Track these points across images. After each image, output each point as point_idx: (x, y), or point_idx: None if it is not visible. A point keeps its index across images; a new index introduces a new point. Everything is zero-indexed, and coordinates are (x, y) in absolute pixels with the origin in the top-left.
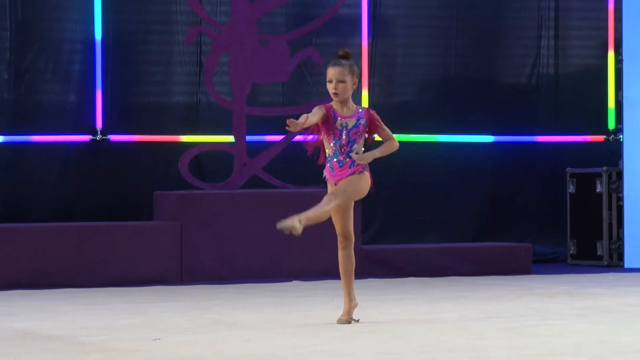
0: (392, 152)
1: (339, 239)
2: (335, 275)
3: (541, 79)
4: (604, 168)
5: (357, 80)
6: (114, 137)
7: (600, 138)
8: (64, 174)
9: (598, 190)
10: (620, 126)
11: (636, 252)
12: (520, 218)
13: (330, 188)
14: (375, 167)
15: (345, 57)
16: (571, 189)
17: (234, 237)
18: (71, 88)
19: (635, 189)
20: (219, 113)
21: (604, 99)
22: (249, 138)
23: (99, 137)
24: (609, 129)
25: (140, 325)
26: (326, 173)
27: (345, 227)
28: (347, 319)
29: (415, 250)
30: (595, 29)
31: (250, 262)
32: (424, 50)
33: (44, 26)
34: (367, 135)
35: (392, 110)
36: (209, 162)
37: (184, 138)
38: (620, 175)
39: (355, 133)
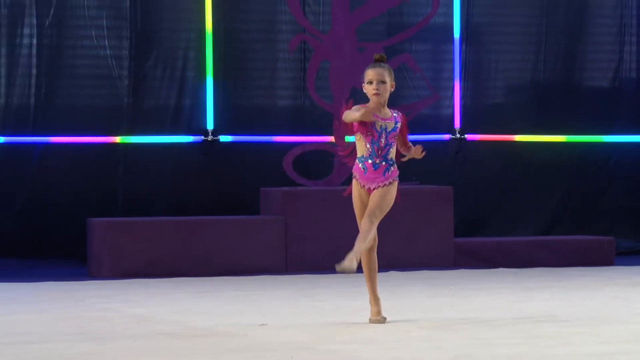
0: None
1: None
2: (432, 266)
3: (624, 83)
4: None
5: (394, 83)
6: (224, 138)
7: None
8: (178, 172)
9: None
10: None
11: None
12: (606, 213)
13: (356, 186)
14: (465, 164)
15: (382, 60)
16: None
17: (335, 230)
18: (185, 93)
19: None
20: (321, 115)
21: None
22: (348, 138)
23: (210, 137)
24: None
25: (248, 312)
26: (356, 172)
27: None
28: (380, 319)
29: (506, 242)
30: None
31: (345, 253)
32: (513, 56)
33: (160, 36)
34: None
35: (484, 111)
36: (312, 161)
37: (289, 138)
38: None
39: (393, 137)
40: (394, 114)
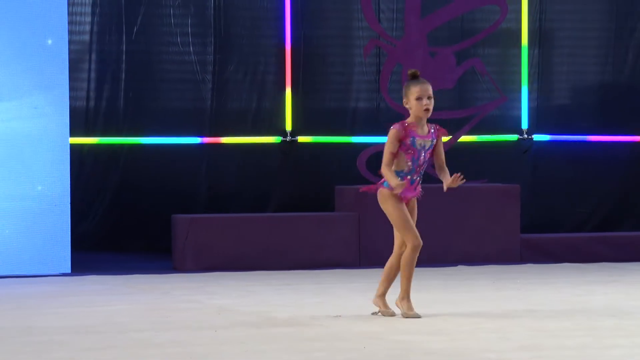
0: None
1: (415, 246)
2: (499, 261)
3: None
4: None
5: (407, 102)
6: (302, 139)
7: None
8: (258, 171)
9: None
10: None
11: None
12: None
13: (393, 196)
14: (532, 164)
15: (417, 76)
16: None
17: None
18: (265, 95)
19: None
20: (394, 116)
21: None
22: None
23: (289, 138)
24: None
25: (324, 303)
26: None
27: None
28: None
29: (570, 238)
30: None
31: (420, 249)
32: (580, 59)
33: (242, 42)
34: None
35: (551, 113)
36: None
37: (363, 139)
38: None
39: (430, 153)
40: (432, 130)
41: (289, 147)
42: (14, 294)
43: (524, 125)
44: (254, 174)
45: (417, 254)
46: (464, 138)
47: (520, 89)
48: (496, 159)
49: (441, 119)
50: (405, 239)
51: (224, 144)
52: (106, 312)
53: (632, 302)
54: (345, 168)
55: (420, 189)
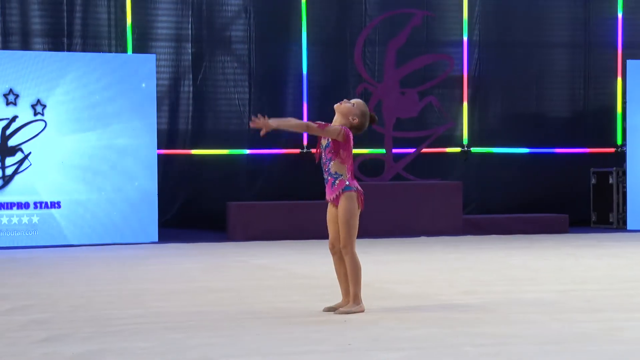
0: (293, 128)
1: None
2: (448, 234)
3: (575, 112)
4: (615, 168)
5: (357, 119)
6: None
7: (612, 150)
8: (283, 175)
9: (610, 182)
10: (625, 142)
11: (635, 220)
12: (560, 196)
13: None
14: (470, 168)
15: (373, 120)
16: (593, 180)
17: (387, 211)
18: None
19: (634, 181)
20: (376, 135)
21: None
22: (394, 150)
23: (305, 150)
24: (617, 144)
25: (331, 263)
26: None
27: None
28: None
29: (497, 217)
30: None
31: (392, 224)
32: (508, 95)
33: (272, 81)
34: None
35: (484, 132)
36: (370, 164)
37: (355, 151)
38: (624, 172)
39: (329, 152)
40: None
41: (304, 158)
42: (118, 256)
43: (465, 141)
44: (277, 177)
45: (333, 255)
46: (424, 150)
47: (463, 116)
48: (446, 164)
49: (408, 137)
50: None
51: (259, 154)
52: (181, 269)
53: (540, 261)
54: None
55: (339, 194)
